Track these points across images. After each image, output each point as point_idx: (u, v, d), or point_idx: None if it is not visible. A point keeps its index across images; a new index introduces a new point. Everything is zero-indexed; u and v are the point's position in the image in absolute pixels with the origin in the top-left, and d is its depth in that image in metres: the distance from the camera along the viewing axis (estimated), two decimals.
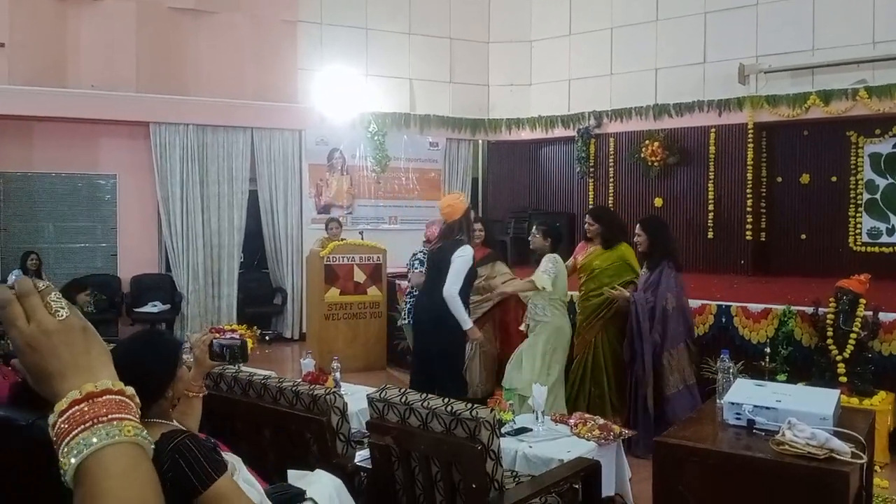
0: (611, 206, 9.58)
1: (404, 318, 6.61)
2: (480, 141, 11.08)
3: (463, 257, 4.71)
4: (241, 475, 2.36)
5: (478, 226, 6.21)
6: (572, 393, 5.39)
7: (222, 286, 9.35)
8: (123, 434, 0.83)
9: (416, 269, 6.23)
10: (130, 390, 0.89)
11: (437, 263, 4.87)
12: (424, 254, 5.93)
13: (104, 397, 0.85)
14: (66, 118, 8.50)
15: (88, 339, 0.90)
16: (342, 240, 8.10)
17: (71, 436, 0.82)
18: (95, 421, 0.82)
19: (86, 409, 0.83)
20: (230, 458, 2.42)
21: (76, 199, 8.95)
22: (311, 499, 2.61)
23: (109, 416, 0.83)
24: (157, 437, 2.14)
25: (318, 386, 3.56)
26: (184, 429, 2.31)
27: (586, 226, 5.64)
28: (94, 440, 0.81)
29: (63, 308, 0.90)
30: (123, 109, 8.67)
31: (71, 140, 8.73)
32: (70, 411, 0.83)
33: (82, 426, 0.82)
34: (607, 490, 3.89)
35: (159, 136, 8.94)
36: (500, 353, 6.21)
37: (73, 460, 0.81)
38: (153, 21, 8.94)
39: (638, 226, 5.44)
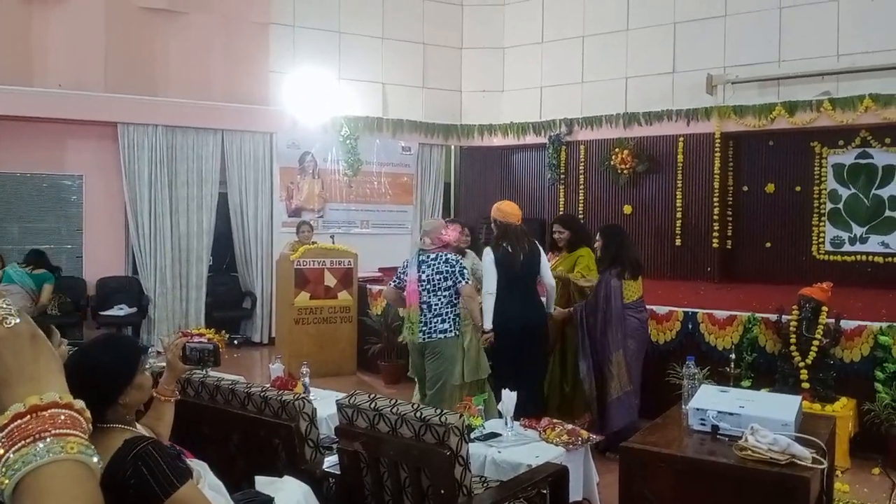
0: (581, 212, 9.68)
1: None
2: (453, 146, 11.11)
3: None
4: (206, 481, 2.34)
5: (456, 225, 6.22)
6: (549, 393, 5.59)
7: (190, 290, 9.24)
8: (66, 451, 0.78)
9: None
10: (80, 404, 0.84)
11: (523, 270, 5.08)
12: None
13: (49, 411, 0.80)
14: (33, 118, 8.35)
15: (38, 347, 0.86)
16: (313, 243, 8.07)
17: (11, 452, 0.77)
18: (38, 436, 0.78)
19: (29, 423, 0.79)
20: (196, 464, 2.41)
21: (41, 200, 8.79)
22: None
23: (53, 432, 0.79)
24: (118, 443, 2.12)
25: (286, 391, 3.55)
26: (147, 435, 2.29)
27: (556, 234, 5.74)
28: (34, 458, 0.76)
29: (12, 315, 0.86)
30: (91, 109, 8.54)
31: (37, 140, 8.58)
32: (11, 426, 0.79)
33: (23, 442, 0.77)
34: (575, 495, 3.92)
35: (127, 136, 8.82)
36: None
37: (7, 480, 0.76)
38: (123, 20, 8.82)
39: (598, 233, 5.62)
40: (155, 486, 2.08)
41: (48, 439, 0.78)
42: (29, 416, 0.79)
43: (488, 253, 5.13)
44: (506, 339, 5.12)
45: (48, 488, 0.76)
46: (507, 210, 5.38)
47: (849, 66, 7.99)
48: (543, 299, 5.40)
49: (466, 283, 5.00)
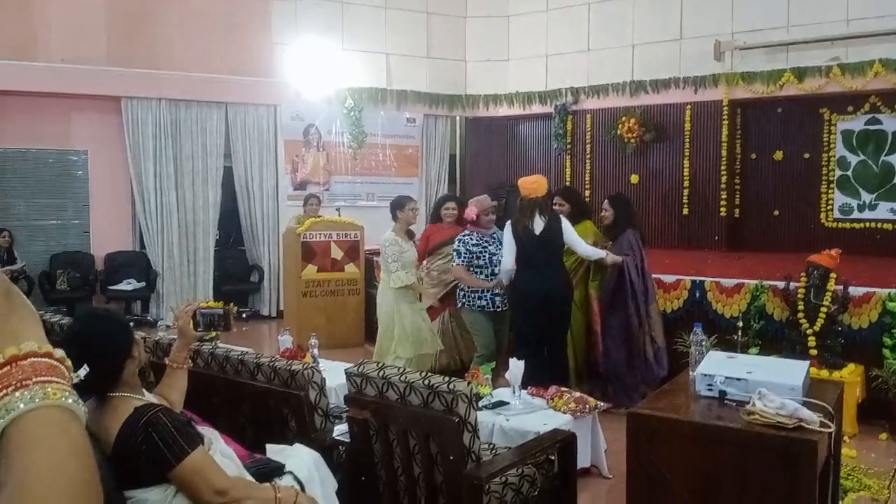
0: (587, 182, 9.64)
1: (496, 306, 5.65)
2: (458, 117, 11.04)
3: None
4: (217, 448, 2.37)
5: (451, 204, 6.25)
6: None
7: (198, 264, 9.27)
8: (49, 397, 0.77)
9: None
10: (60, 352, 0.83)
11: (540, 243, 5.12)
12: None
13: (29, 360, 0.79)
14: (36, 92, 8.32)
15: (12, 301, 0.84)
16: (319, 216, 8.06)
17: None
18: (19, 384, 0.76)
19: (8, 372, 0.77)
20: (206, 431, 2.44)
21: (47, 176, 8.80)
22: (291, 472, 2.63)
23: (34, 379, 0.77)
24: (129, 411, 2.16)
25: (295, 361, 3.57)
26: (157, 402, 2.32)
27: (556, 207, 5.73)
28: (16, 405, 0.75)
29: None
30: (94, 84, 8.50)
31: (41, 115, 8.55)
32: None
33: (4, 392, 0.76)
34: (583, 461, 3.97)
35: (131, 111, 8.79)
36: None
37: None
38: None
39: (605, 202, 5.80)
40: (166, 452, 2.11)
41: (29, 387, 0.76)
42: (8, 367, 0.78)
43: (507, 229, 5.18)
44: (524, 312, 5.15)
45: (33, 435, 0.75)
46: (526, 185, 5.32)
47: (858, 32, 7.87)
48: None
49: (457, 264, 5.40)
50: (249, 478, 2.44)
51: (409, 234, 5.79)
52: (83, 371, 2.08)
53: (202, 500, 2.17)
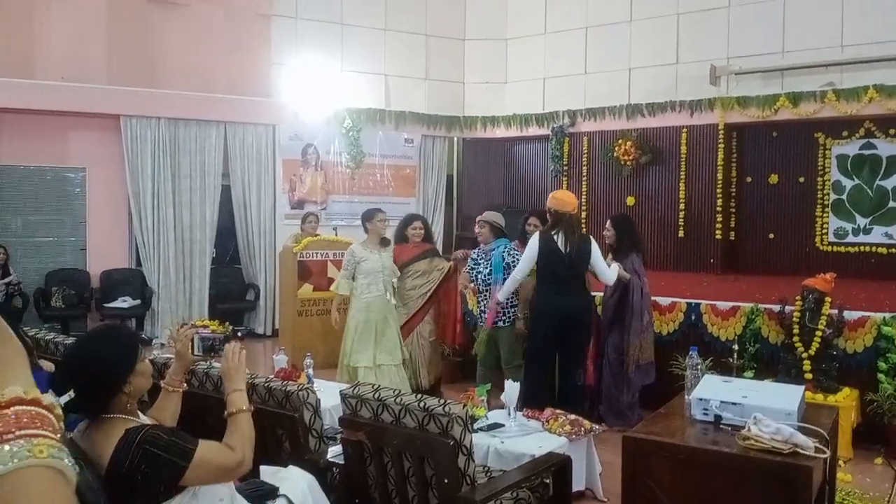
0: (584, 204, 9.66)
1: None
2: (455, 138, 11.10)
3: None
4: None
5: (417, 224, 6.30)
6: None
7: (194, 281, 9.26)
8: (35, 455, 0.68)
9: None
10: (49, 399, 0.74)
11: (568, 262, 5.13)
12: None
13: (13, 408, 0.70)
14: (35, 110, 8.34)
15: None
16: (316, 235, 8.07)
17: None
18: (1, 439, 0.67)
19: None
20: None
21: (45, 193, 8.81)
22: (284, 495, 2.61)
23: (17, 433, 0.68)
24: (120, 432, 2.15)
25: (290, 382, 3.56)
26: (148, 422, 2.32)
27: (529, 227, 5.77)
28: None
29: None
30: (94, 102, 8.54)
31: (39, 132, 8.58)
32: None
33: None
34: (578, 484, 3.94)
35: (130, 129, 8.83)
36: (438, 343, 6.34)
37: None
38: (125, 11, 8.82)
39: (608, 222, 5.79)
40: (175, 459, 2.14)
41: (13, 441, 0.67)
42: None
43: (533, 241, 5.14)
44: (543, 331, 5.11)
45: (15, 500, 0.66)
46: (563, 199, 5.30)
47: (853, 57, 7.95)
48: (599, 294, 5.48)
49: None
50: (240, 501, 2.42)
51: (384, 243, 5.83)
52: (66, 398, 2.09)
53: (227, 479, 2.31)
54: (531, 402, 4.64)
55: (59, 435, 0.72)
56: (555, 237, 5.13)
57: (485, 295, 5.60)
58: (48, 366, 3.35)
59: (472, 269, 5.66)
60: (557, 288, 5.06)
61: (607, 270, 5.28)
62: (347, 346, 5.73)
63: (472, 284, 5.78)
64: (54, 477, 0.69)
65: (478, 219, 5.82)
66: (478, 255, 5.72)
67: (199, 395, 3.45)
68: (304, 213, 8.65)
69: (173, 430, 2.31)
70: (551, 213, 5.25)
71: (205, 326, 5.22)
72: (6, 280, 8.08)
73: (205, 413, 3.44)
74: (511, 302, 5.41)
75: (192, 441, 2.23)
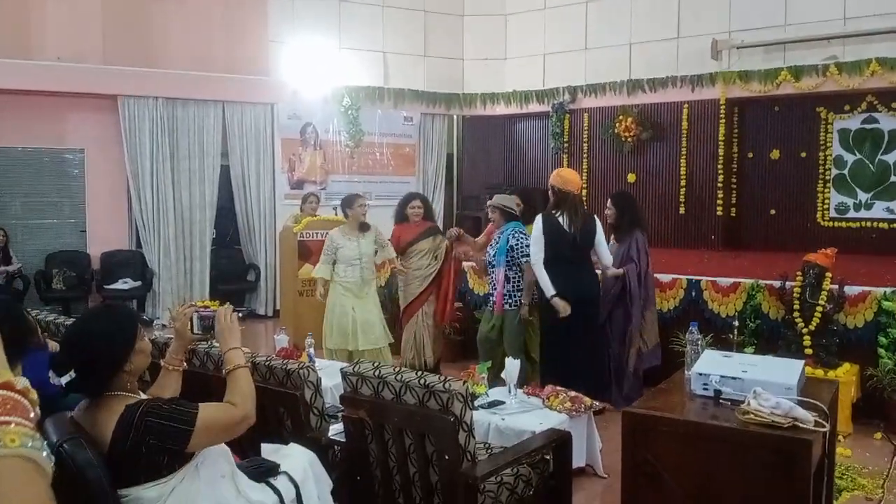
0: (584, 181, 9.63)
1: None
2: (455, 116, 11.03)
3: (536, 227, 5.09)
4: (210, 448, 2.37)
5: (416, 203, 6.24)
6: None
7: (194, 262, 9.26)
8: (6, 445, 0.62)
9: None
10: (22, 382, 0.69)
11: (574, 242, 5.09)
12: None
13: None
14: (32, 91, 8.29)
15: None
16: (316, 216, 8.05)
17: None
18: None
19: None
20: None
21: (43, 174, 8.78)
22: (286, 472, 2.62)
23: None
24: (121, 409, 2.17)
25: (291, 361, 3.56)
26: (147, 398, 2.34)
27: (491, 213, 5.74)
28: None
29: None
30: (90, 82, 8.49)
31: (37, 113, 8.54)
32: None
33: None
34: (578, 461, 3.97)
35: (128, 109, 8.78)
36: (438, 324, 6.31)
37: None
38: None
39: (609, 200, 5.69)
40: (180, 425, 2.18)
41: None
42: None
43: (538, 224, 5.05)
44: (554, 313, 5.06)
45: None
46: (567, 177, 5.24)
47: (855, 30, 7.87)
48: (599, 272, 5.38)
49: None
50: (241, 477, 2.44)
51: (363, 228, 5.77)
52: (67, 378, 2.10)
53: (233, 435, 2.37)
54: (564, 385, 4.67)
55: (33, 422, 0.66)
56: (559, 218, 5.08)
57: (491, 278, 5.53)
58: (54, 346, 3.35)
59: (489, 251, 5.63)
60: (566, 269, 5.01)
61: (607, 253, 5.26)
62: (325, 330, 5.77)
63: (472, 262, 5.76)
64: (27, 468, 0.63)
65: (488, 203, 5.79)
66: (494, 239, 5.66)
67: (200, 374, 3.46)
68: (305, 193, 8.61)
69: (172, 399, 2.35)
70: (554, 192, 5.19)
71: (205, 307, 5.22)
72: (6, 268, 8.09)
73: (206, 392, 3.45)
74: (516, 286, 5.37)
75: (193, 406, 2.26)
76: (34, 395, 0.69)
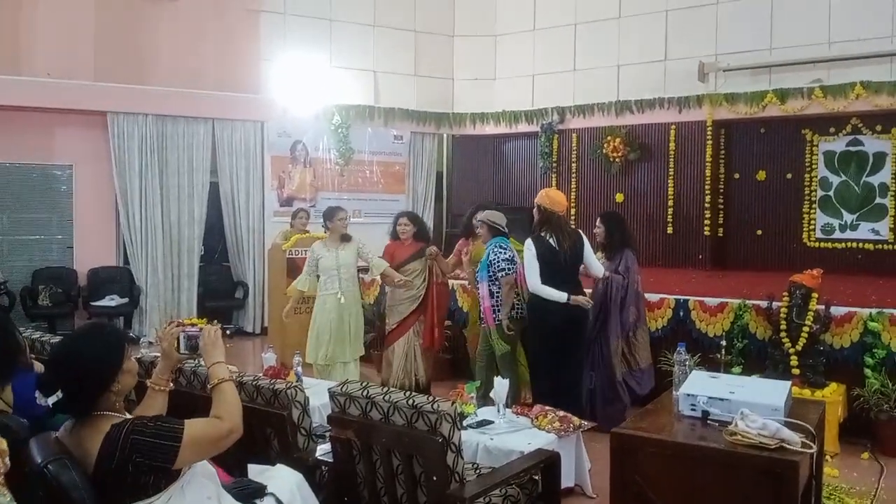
0: (573, 201, 9.68)
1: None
2: (445, 134, 11.09)
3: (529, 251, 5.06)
4: (197, 467, 2.35)
5: (403, 220, 6.23)
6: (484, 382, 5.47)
7: (182, 279, 9.21)
8: None
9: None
10: None
11: (566, 262, 5.09)
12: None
13: None
14: (21, 107, 8.27)
15: None
16: (305, 232, 8.04)
17: None
18: None
19: None
20: None
21: (31, 190, 8.73)
22: (273, 494, 2.60)
23: None
24: (106, 428, 2.15)
25: (279, 380, 3.55)
26: (132, 417, 2.33)
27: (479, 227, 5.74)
28: None
29: None
30: (80, 98, 8.48)
31: (26, 129, 8.50)
32: None
33: None
34: (567, 481, 3.96)
35: (117, 125, 8.76)
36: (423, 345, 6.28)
37: None
38: (112, 7, 8.75)
39: (598, 219, 5.72)
40: (165, 442, 2.16)
41: None
42: None
43: (530, 247, 5.03)
44: (546, 331, 5.04)
45: None
46: (555, 198, 5.24)
47: (840, 54, 8.00)
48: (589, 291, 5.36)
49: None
50: (227, 499, 2.42)
51: (344, 238, 5.86)
52: (54, 398, 2.09)
53: (220, 449, 2.37)
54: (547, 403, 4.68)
55: (1, 475, 0.59)
56: (547, 238, 5.09)
57: (479, 293, 5.55)
58: (39, 367, 3.31)
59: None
60: (557, 288, 5.02)
61: (597, 264, 5.30)
62: (308, 341, 5.85)
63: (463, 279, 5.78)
64: None
65: (476, 217, 5.78)
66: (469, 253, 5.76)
67: (186, 393, 3.44)
68: (295, 209, 8.61)
69: (157, 417, 2.33)
70: (540, 211, 5.20)
71: (193, 325, 5.17)
72: None
73: (193, 412, 3.43)
74: (499, 300, 5.38)
75: (179, 422, 2.25)
76: (3, 445, 0.62)
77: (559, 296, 4.95)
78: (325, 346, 5.75)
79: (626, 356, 5.51)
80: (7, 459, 0.59)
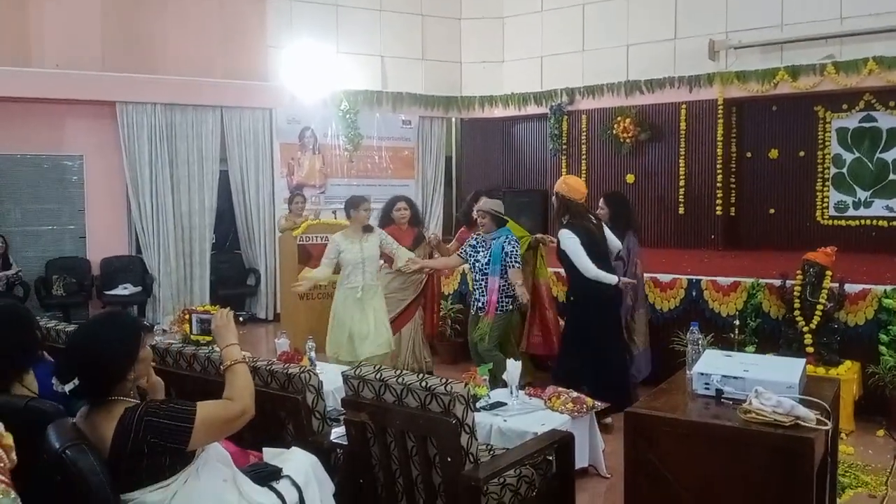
0: (584, 182, 9.62)
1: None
2: (453, 118, 11.04)
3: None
4: (212, 449, 2.38)
5: (402, 205, 6.15)
6: None
7: (194, 268, 9.26)
8: None
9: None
10: None
11: (603, 244, 5.13)
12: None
13: None
14: (31, 98, 8.30)
15: None
16: (311, 219, 8.03)
17: None
18: None
19: None
20: None
21: (42, 181, 8.77)
22: (288, 476, 2.62)
23: None
24: (120, 412, 2.19)
25: (292, 365, 3.56)
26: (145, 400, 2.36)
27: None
28: None
29: None
30: (89, 89, 8.49)
31: (36, 121, 8.54)
32: None
33: None
34: (581, 462, 3.96)
35: (126, 115, 8.78)
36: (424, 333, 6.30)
37: None
38: None
39: (602, 200, 5.71)
40: (179, 423, 2.19)
41: None
42: None
43: (570, 236, 4.96)
44: (593, 314, 5.05)
45: None
46: (573, 185, 5.20)
47: (852, 29, 7.89)
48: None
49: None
50: (243, 481, 2.44)
51: (367, 229, 5.61)
52: (70, 385, 2.11)
53: (233, 430, 2.40)
54: (621, 393, 4.72)
55: (6, 471, 0.58)
56: (581, 224, 5.05)
57: (480, 284, 5.45)
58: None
59: (471, 255, 5.52)
60: (605, 270, 5.00)
61: (616, 240, 5.31)
62: (328, 336, 5.66)
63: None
64: None
65: (477, 209, 5.65)
66: (477, 243, 5.52)
67: (201, 379, 3.47)
68: (290, 194, 8.59)
69: (169, 399, 2.37)
70: (559, 199, 5.15)
71: (206, 312, 5.18)
72: (5, 273, 8.09)
73: (207, 397, 3.45)
74: (505, 292, 5.33)
75: (191, 404, 2.28)
76: (8, 440, 0.61)
77: (612, 279, 4.95)
78: (345, 341, 5.53)
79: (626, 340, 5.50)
80: (13, 455, 0.57)
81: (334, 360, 5.50)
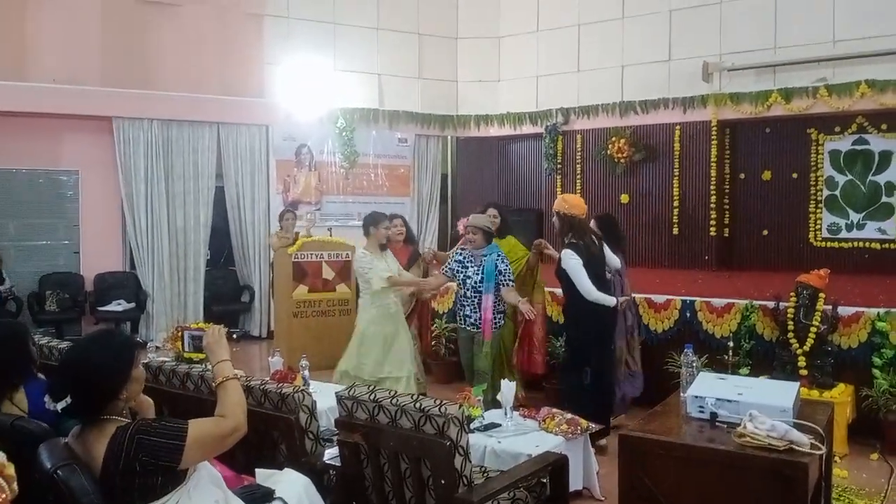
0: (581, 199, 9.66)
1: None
2: (449, 137, 11.09)
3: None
4: (204, 471, 2.36)
5: (397, 221, 6.13)
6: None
7: (188, 284, 9.23)
8: None
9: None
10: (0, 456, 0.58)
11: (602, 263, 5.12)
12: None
13: None
14: (27, 112, 8.31)
15: None
16: (302, 235, 8.04)
17: None
18: None
19: None
20: None
21: (38, 196, 8.76)
22: (280, 498, 2.60)
23: None
24: (112, 431, 2.18)
25: (286, 384, 3.55)
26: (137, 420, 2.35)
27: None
28: None
29: None
30: (86, 104, 8.51)
31: (32, 135, 8.54)
32: None
33: None
34: (575, 484, 3.94)
35: (123, 131, 8.79)
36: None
37: None
38: (117, 13, 8.78)
39: (593, 221, 5.62)
40: (171, 441, 2.18)
41: None
42: None
43: (572, 256, 4.90)
44: (605, 338, 5.02)
45: None
46: (573, 202, 5.16)
47: (845, 53, 7.97)
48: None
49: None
50: (235, 502, 2.42)
51: (382, 248, 5.61)
52: (63, 403, 2.10)
53: (225, 447, 2.39)
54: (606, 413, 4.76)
55: (9, 497, 0.58)
56: (582, 244, 5.00)
57: (473, 301, 5.35)
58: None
59: (460, 272, 5.42)
60: (604, 290, 4.97)
61: (615, 258, 5.32)
62: (353, 352, 5.52)
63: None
64: None
65: (466, 225, 5.58)
66: (465, 259, 5.42)
67: (194, 398, 3.45)
68: (281, 210, 8.59)
69: (160, 417, 2.35)
70: (560, 217, 5.11)
71: (198, 329, 5.15)
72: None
73: (199, 416, 3.43)
74: (497, 309, 5.30)
75: (183, 422, 2.27)
76: (10, 470, 0.61)
77: (610, 300, 4.92)
78: (374, 360, 5.43)
79: (626, 358, 5.53)
80: (15, 485, 0.57)
81: (345, 379, 5.35)
